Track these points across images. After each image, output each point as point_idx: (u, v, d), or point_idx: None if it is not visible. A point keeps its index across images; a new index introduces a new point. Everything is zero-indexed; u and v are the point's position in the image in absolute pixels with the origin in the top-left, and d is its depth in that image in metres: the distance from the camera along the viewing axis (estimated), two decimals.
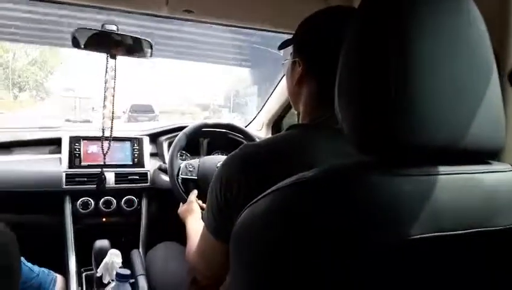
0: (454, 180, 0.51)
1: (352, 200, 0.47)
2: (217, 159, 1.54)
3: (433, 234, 0.49)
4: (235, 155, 0.74)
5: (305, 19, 0.83)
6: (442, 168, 0.51)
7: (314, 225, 0.47)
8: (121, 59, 1.41)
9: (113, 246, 1.49)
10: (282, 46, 0.91)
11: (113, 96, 1.42)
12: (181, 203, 1.42)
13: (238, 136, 1.78)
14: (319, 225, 0.47)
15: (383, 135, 0.49)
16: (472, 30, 0.53)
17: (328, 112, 0.73)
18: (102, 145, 1.45)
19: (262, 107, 2.25)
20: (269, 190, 0.53)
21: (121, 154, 1.75)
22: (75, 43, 1.35)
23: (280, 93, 2.05)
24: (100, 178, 1.58)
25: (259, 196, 0.54)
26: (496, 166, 0.56)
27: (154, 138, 1.89)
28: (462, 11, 0.53)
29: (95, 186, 1.58)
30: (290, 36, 0.88)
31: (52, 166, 1.65)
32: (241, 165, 0.72)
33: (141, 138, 1.81)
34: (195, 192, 1.41)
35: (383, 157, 0.51)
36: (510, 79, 0.54)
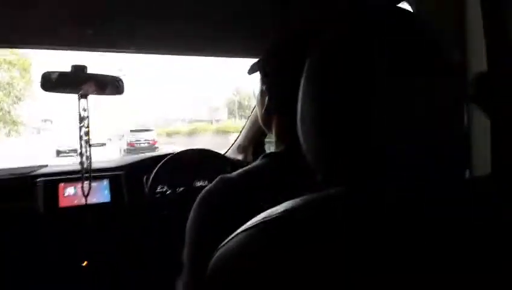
0: (424, 206, 0.50)
1: (321, 236, 0.46)
2: (197, 190, 1.52)
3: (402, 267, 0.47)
4: (210, 191, 0.73)
5: (269, 47, 0.82)
6: (411, 195, 0.50)
7: (283, 266, 0.46)
8: None
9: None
10: (251, 71, 0.89)
11: (88, 135, 1.40)
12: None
13: (218, 162, 1.77)
14: (288, 266, 0.46)
15: (349, 165, 0.49)
16: (431, 55, 0.53)
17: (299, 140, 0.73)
18: (82, 187, 1.41)
19: (242, 129, 2.25)
20: (237, 232, 0.52)
21: (99, 193, 1.72)
22: (45, 86, 1.35)
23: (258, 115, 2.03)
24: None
25: (228, 237, 0.53)
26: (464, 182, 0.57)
27: (130, 172, 1.85)
28: (420, 36, 0.53)
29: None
30: None
31: None
32: (216, 201, 0.71)
33: (119, 175, 1.78)
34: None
35: (349, 188, 0.50)
36: (472, 99, 0.55)
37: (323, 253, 0.46)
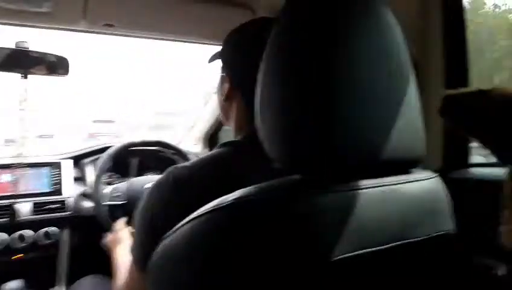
0: (376, 194, 0.51)
1: (274, 223, 0.45)
2: (147, 180, 1.46)
3: (359, 252, 0.47)
4: (162, 181, 0.69)
5: (229, 33, 0.81)
6: (365, 182, 0.50)
7: (236, 253, 0.44)
8: None
9: (30, 285, 1.34)
10: (211, 59, 0.89)
11: (25, 119, 1.31)
12: (107, 233, 1.31)
13: (170, 153, 1.71)
14: (241, 253, 0.44)
15: (305, 152, 0.48)
16: (390, 39, 0.54)
17: None
18: (14, 174, 1.31)
19: (196, 120, 2.20)
20: (186, 220, 0.50)
21: (37, 181, 1.58)
22: None
23: (215, 105, 2.01)
24: (12, 210, 1.42)
25: (178, 225, 0.51)
26: (417, 175, 0.57)
27: (77, 160, 1.75)
28: (380, 21, 0.53)
29: (6, 219, 1.42)
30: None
31: None
32: (168, 192, 0.67)
33: (59, 162, 1.66)
34: (123, 219, 1.31)
35: (306, 174, 0.49)
36: (441, 112, 0.56)
37: (274, 241, 0.45)
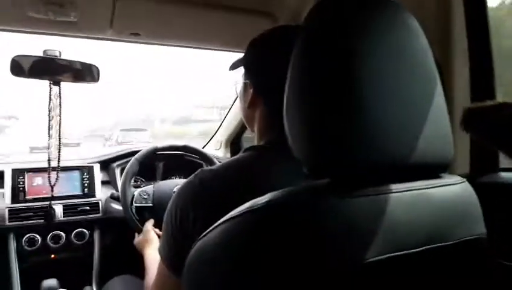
0: (406, 198, 0.51)
1: (305, 226, 0.46)
2: (173, 184, 1.49)
3: (389, 255, 0.48)
4: (190, 183, 0.71)
5: (252, 40, 0.81)
6: (394, 186, 0.50)
7: (267, 255, 0.45)
8: None
9: (64, 284, 1.40)
10: (233, 67, 0.90)
11: (59, 124, 1.35)
12: (137, 234, 1.35)
13: (195, 158, 1.74)
14: (272, 255, 0.45)
15: (334, 156, 0.48)
16: (415, 44, 0.54)
17: (283, 134, 0.72)
18: (49, 177, 1.36)
19: (220, 125, 2.22)
20: (220, 221, 0.51)
21: (69, 184, 1.66)
22: (15, 71, 1.28)
23: (237, 110, 2.03)
24: (48, 212, 1.48)
25: (211, 227, 0.52)
26: (446, 179, 0.57)
27: (105, 164, 1.80)
28: (405, 26, 0.54)
29: (42, 220, 1.48)
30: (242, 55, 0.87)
31: None
32: (196, 193, 0.69)
33: (91, 166, 1.73)
34: (151, 221, 1.35)
35: (336, 179, 0.50)
36: (464, 126, 0.56)
37: (306, 244, 0.45)
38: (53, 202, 1.50)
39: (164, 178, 1.79)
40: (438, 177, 0.57)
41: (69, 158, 1.78)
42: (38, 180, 1.62)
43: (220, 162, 1.69)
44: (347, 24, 0.50)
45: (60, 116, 1.33)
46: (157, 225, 1.33)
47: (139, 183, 1.76)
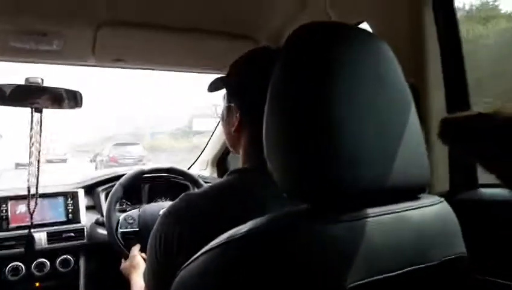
0: (385, 221, 0.52)
1: (286, 255, 0.46)
2: (159, 207, 1.48)
3: (371, 279, 0.48)
4: (174, 207, 0.70)
5: (235, 62, 0.80)
6: (372, 210, 0.51)
7: (250, 284, 0.45)
8: None
9: None
10: (213, 88, 0.86)
11: (39, 152, 1.33)
12: (123, 259, 1.33)
13: (181, 179, 1.73)
14: (253, 284, 0.45)
15: (312, 182, 0.49)
16: (388, 71, 0.55)
17: None
18: (28, 205, 1.33)
19: (206, 145, 2.22)
20: (201, 251, 0.51)
21: (53, 211, 1.62)
22: None
23: (222, 130, 2.03)
24: (28, 240, 1.45)
25: (193, 257, 0.52)
26: (424, 200, 0.58)
27: (90, 189, 1.78)
28: (379, 53, 0.55)
29: (22, 250, 1.44)
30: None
31: None
32: (181, 218, 0.68)
33: (75, 192, 1.69)
34: (137, 246, 1.33)
35: (315, 204, 0.50)
36: (440, 137, 0.57)
37: (288, 272, 0.46)
38: (37, 229, 1.47)
39: (150, 201, 1.77)
40: (416, 198, 0.58)
41: (53, 183, 1.75)
42: (22, 207, 1.57)
43: (206, 182, 1.70)
44: (325, 51, 0.52)
45: (39, 143, 1.32)
46: (143, 249, 1.31)
47: (124, 207, 1.74)
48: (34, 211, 1.33)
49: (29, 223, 1.42)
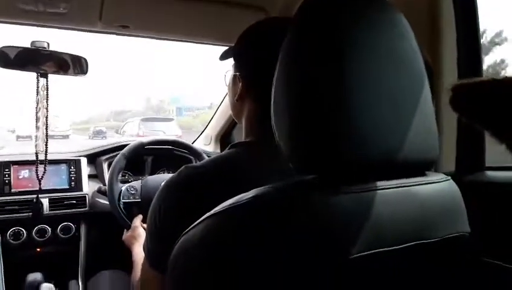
0: (392, 195, 0.51)
1: (290, 222, 0.46)
2: (161, 179, 1.48)
3: (374, 251, 0.48)
4: (173, 180, 0.70)
5: (243, 32, 0.80)
6: (380, 183, 0.51)
7: (251, 251, 0.45)
8: None
9: (49, 278, 1.38)
10: (223, 57, 0.88)
11: (46, 117, 1.33)
12: (125, 230, 1.34)
13: (184, 152, 1.73)
14: (256, 251, 0.45)
15: (320, 152, 0.48)
16: (404, 44, 0.54)
17: (271, 129, 0.72)
18: (36, 170, 1.34)
19: (210, 120, 2.21)
20: (203, 217, 0.51)
21: (56, 178, 1.63)
22: (2, 62, 1.26)
23: (228, 105, 2.02)
24: (36, 205, 1.46)
25: (193, 224, 0.52)
26: (431, 177, 0.57)
27: (92, 158, 1.79)
28: (394, 26, 0.54)
29: (29, 214, 1.46)
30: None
31: None
32: (180, 190, 0.68)
33: (78, 160, 1.71)
34: (139, 216, 1.34)
35: (323, 175, 0.50)
36: (451, 103, 0.55)
37: (291, 241, 0.45)
38: (41, 195, 1.48)
39: (152, 173, 1.78)
40: (423, 174, 0.57)
41: (56, 151, 1.75)
42: (25, 173, 1.59)
43: (209, 156, 1.69)
44: (337, 21, 0.50)
45: (47, 108, 1.31)
46: (145, 220, 1.32)
47: (126, 177, 1.75)
48: (42, 177, 1.32)
49: (34, 188, 1.43)
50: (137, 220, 1.32)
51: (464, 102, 0.52)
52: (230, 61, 0.85)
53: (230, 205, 0.48)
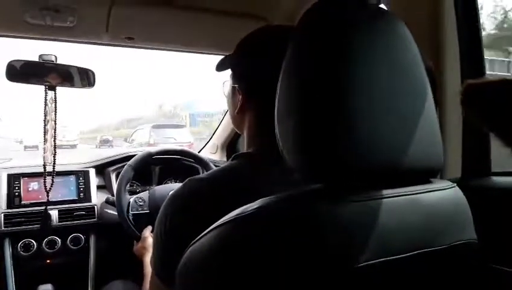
0: (397, 203, 0.51)
1: (296, 232, 0.46)
2: (169, 189, 1.49)
3: (380, 260, 0.48)
4: (179, 192, 0.70)
5: (240, 42, 0.78)
6: (386, 191, 0.51)
7: (258, 261, 0.45)
8: None
9: (60, 289, 1.39)
10: (219, 67, 0.85)
11: (55, 129, 1.35)
12: (135, 241, 1.35)
13: (191, 162, 1.74)
14: (263, 260, 0.45)
15: (326, 161, 0.48)
16: (405, 52, 0.54)
17: (274, 139, 0.71)
18: (44, 182, 1.35)
19: (216, 129, 2.22)
20: (210, 228, 0.51)
21: (64, 189, 1.65)
22: (11, 76, 1.28)
23: None
24: (45, 217, 1.48)
25: (201, 235, 0.52)
26: (436, 184, 0.57)
27: (101, 169, 1.80)
28: (396, 34, 0.54)
29: (38, 226, 1.48)
30: None
31: None
32: (185, 203, 0.68)
33: (87, 171, 1.72)
34: (149, 227, 1.35)
35: (328, 184, 0.50)
36: (462, 102, 0.55)
37: (296, 251, 0.46)
38: (49, 207, 1.50)
39: (160, 182, 1.79)
40: (428, 182, 0.57)
41: (64, 162, 1.77)
42: (34, 185, 1.61)
43: (216, 166, 1.70)
44: (339, 30, 0.51)
45: (55, 121, 1.33)
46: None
47: (134, 187, 1.76)
48: (50, 189, 1.33)
49: (43, 200, 1.45)
50: (147, 231, 1.33)
51: (473, 101, 0.52)
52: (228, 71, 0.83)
53: (236, 215, 0.48)
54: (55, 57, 1.32)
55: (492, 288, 0.78)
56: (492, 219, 0.77)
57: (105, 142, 19.32)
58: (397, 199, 0.51)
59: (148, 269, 1.12)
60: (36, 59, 1.28)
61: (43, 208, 1.47)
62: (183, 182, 0.71)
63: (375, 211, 0.49)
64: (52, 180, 1.34)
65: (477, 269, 0.61)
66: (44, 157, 1.34)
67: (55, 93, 1.31)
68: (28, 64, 1.28)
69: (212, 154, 2.21)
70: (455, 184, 0.60)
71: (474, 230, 0.59)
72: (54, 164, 1.33)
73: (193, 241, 0.54)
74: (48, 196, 1.35)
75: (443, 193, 0.57)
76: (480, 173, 0.92)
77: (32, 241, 1.54)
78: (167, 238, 0.69)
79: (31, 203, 1.57)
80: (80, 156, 1.97)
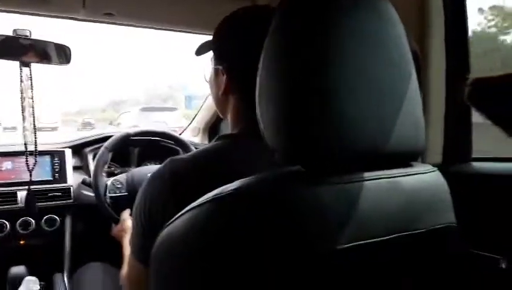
0: (377, 186, 0.51)
1: (273, 214, 0.45)
2: (147, 171, 1.46)
3: (359, 243, 0.48)
4: (159, 173, 0.69)
5: (222, 22, 0.77)
6: (366, 174, 0.50)
7: (234, 241, 0.45)
8: None
9: (32, 271, 1.36)
10: (200, 51, 0.84)
11: (33, 107, 1.29)
12: (113, 224, 1.32)
13: (171, 144, 1.71)
14: (238, 243, 0.45)
15: (305, 143, 0.48)
16: (391, 32, 0.53)
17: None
18: (26, 161, 1.28)
19: (198, 111, 2.20)
20: (186, 208, 0.50)
21: (39, 169, 1.59)
22: None
23: None
24: (30, 197, 1.43)
25: (177, 215, 0.51)
26: (417, 168, 0.57)
27: (77, 150, 1.76)
28: (381, 14, 0.53)
29: (10, 206, 1.43)
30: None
31: None
32: (165, 184, 0.67)
33: (62, 151, 1.67)
34: (127, 210, 1.32)
35: (307, 166, 0.49)
36: (469, 98, 0.54)
37: (273, 230, 0.45)
38: (22, 187, 1.45)
39: (139, 164, 1.75)
40: (409, 165, 0.57)
41: (42, 142, 1.73)
42: (7, 164, 1.56)
43: (197, 148, 1.67)
44: (324, 8, 0.49)
45: (32, 98, 1.28)
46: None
47: (113, 169, 1.72)
48: (33, 168, 1.27)
49: (16, 180, 1.41)
50: (126, 214, 1.31)
51: (480, 97, 0.51)
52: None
53: (213, 196, 0.48)
54: (30, 31, 1.27)
55: (470, 272, 0.80)
56: (472, 204, 0.78)
57: (87, 125, 18.92)
58: (377, 182, 0.51)
59: (127, 252, 1.10)
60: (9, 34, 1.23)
61: (17, 188, 1.43)
62: (164, 162, 0.70)
63: (354, 193, 0.49)
64: (35, 159, 1.28)
65: (456, 254, 0.61)
66: (24, 136, 1.29)
67: (30, 70, 1.26)
68: (1, 39, 1.22)
69: (194, 137, 2.18)
70: (436, 168, 0.60)
71: (454, 215, 0.59)
72: (36, 142, 1.28)
73: (168, 223, 0.53)
74: (30, 175, 1.29)
75: (423, 177, 0.57)
76: (461, 158, 0.93)
77: (5, 221, 1.50)
78: (146, 220, 0.68)
79: (4, 183, 1.52)
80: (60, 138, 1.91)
